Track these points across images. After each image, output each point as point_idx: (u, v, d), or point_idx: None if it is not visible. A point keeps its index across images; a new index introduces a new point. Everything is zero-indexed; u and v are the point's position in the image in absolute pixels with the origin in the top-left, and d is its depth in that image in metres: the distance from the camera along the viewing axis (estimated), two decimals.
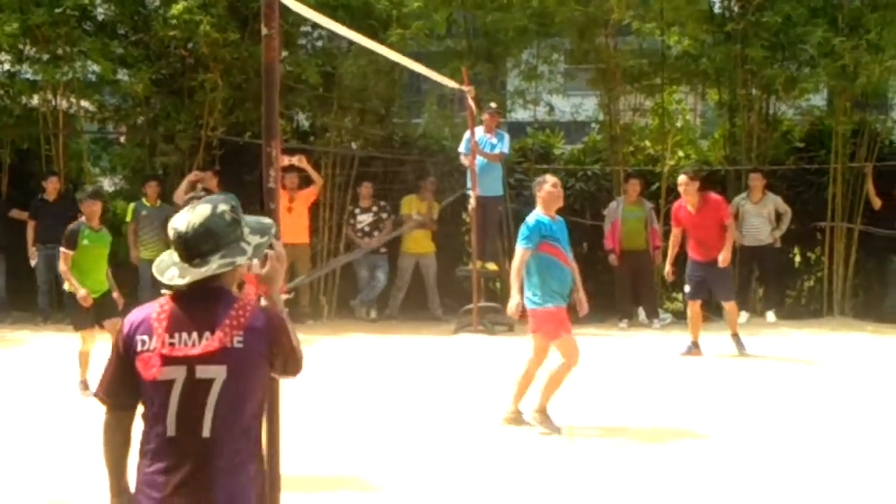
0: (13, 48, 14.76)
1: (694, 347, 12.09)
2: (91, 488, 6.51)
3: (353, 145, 16.19)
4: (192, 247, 3.59)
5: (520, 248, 8.82)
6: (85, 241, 10.13)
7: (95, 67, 15.24)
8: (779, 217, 14.63)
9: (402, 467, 7.58)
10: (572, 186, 15.71)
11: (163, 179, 14.86)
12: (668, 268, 12.49)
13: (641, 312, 14.70)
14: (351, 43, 13.24)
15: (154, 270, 3.70)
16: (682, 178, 12.21)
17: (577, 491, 7.04)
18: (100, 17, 15.53)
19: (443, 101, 16.27)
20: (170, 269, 3.63)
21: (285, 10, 4.88)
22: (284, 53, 14.56)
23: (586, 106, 17.24)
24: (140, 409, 3.64)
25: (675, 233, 12.41)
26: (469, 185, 13.87)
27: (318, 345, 12.52)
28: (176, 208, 9.99)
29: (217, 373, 3.50)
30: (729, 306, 12.26)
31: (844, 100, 15.02)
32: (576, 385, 9.12)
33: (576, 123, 17.88)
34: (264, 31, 4.34)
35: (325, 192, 15.03)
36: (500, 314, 14.34)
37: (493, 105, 14.17)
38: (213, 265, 3.56)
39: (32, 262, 14.53)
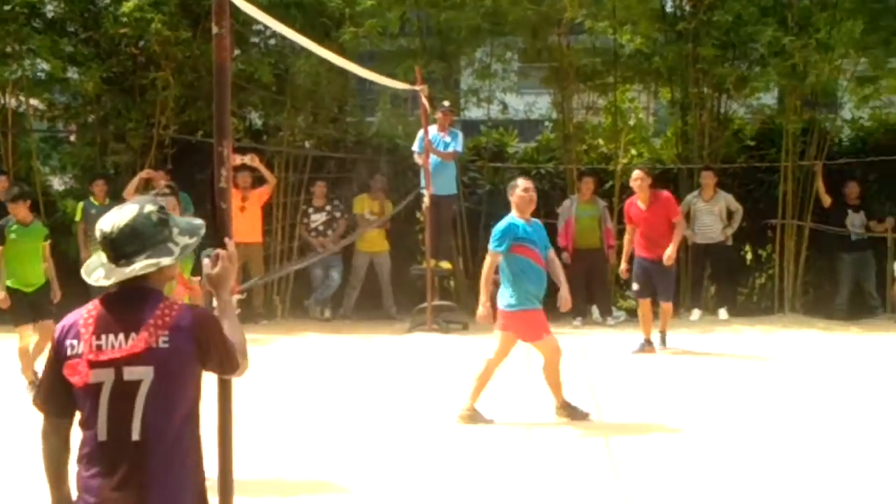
0: None
1: (647, 345, 12.17)
2: (34, 496, 6.42)
3: (307, 144, 16.13)
4: (118, 247, 3.57)
5: (490, 253, 8.86)
6: (12, 236, 10.25)
7: (45, 65, 15.04)
8: (730, 215, 14.74)
9: (358, 468, 7.55)
10: None
11: (112, 178, 14.72)
12: (623, 265, 12.56)
13: (595, 311, 14.75)
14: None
15: (83, 272, 3.68)
16: (637, 173, 12.33)
17: (537, 486, 7.05)
18: (49, 15, 15.35)
19: (396, 99, 16.23)
20: (97, 270, 3.61)
21: (238, 8, 4.84)
22: (237, 52, 14.48)
23: (540, 104, 17.28)
24: (78, 414, 3.60)
25: (629, 230, 12.51)
26: (423, 183, 13.86)
27: (272, 345, 12.48)
28: None
29: (144, 374, 3.47)
30: (666, 306, 12.34)
31: (794, 98, 15.15)
32: (531, 383, 9.16)
33: (529, 122, 17.92)
34: (215, 29, 4.29)
35: (278, 191, 14.95)
36: (455, 312, 14.41)
37: (446, 103, 14.17)
38: (138, 265, 3.54)
39: None
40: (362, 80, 13.83)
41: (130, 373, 3.46)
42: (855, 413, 9.18)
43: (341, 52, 12.54)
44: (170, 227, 3.65)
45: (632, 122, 16.49)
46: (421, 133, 13.75)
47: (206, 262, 3.72)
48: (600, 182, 15.21)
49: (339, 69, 14.53)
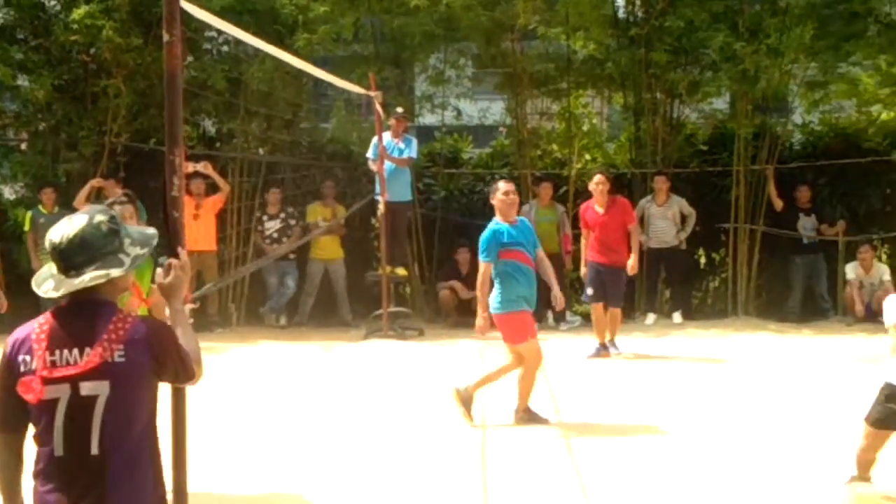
0: None
1: (602, 349, 12.22)
2: None
3: (261, 151, 16.05)
4: (67, 258, 3.53)
5: (481, 264, 8.91)
6: None
7: None
8: (683, 219, 14.85)
9: (315, 478, 7.52)
10: (480, 191, 15.78)
11: (62, 186, 14.59)
12: (582, 269, 12.62)
13: (550, 315, 14.78)
14: (257, 48, 13.13)
15: (33, 283, 3.64)
16: (598, 178, 12.42)
17: (497, 489, 7.06)
18: None
19: (350, 105, 16.21)
20: (47, 282, 3.58)
21: (189, 15, 4.81)
22: (189, 59, 14.40)
23: (494, 110, 17.33)
24: (31, 429, 3.57)
25: (585, 234, 12.61)
26: (378, 190, 13.84)
27: (227, 353, 12.41)
28: None
29: (100, 388, 3.44)
30: (615, 312, 12.39)
31: (746, 103, 15.28)
32: (487, 387, 9.17)
33: (483, 127, 17.96)
34: (166, 37, 4.26)
35: (232, 197, 14.86)
36: (411, 319, 14.40)
37: (399, 110, 14.15)
38: (87, 277, 3.50)
39: None
40: (317, 86, 13.81)
41: (87, 388, 3.43)
42: (807, 413, 9.29)
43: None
44: (121, 238, 3.61)
45: (585, 128, 16.54)
46: (375, 139, 13.72)
47: (159, 271, 3.69)
48: (554, 187, 15.26)
49: (294, 74, 14.56)
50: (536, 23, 15.20)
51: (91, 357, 3.44)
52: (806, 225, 14.97)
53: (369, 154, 14.03)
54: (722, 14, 14.80)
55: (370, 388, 10.55)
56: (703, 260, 16.31)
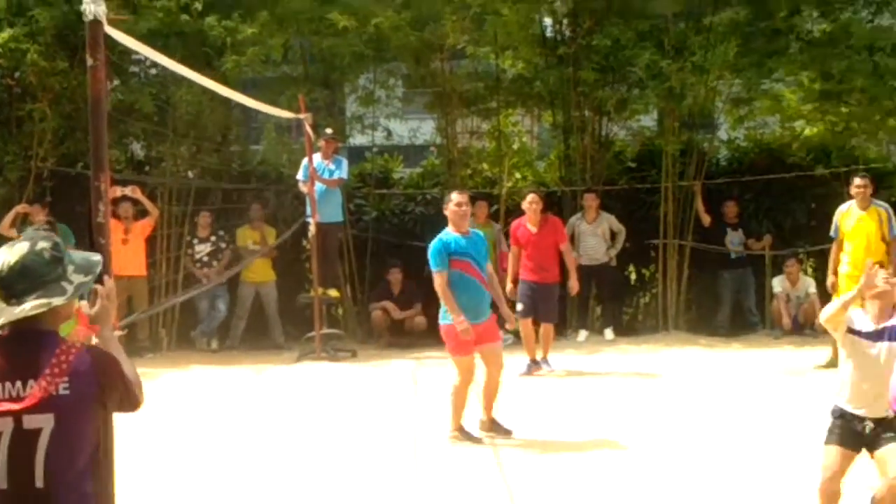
0: None
1: (533, 365, 12.26)
2: None
3: (190, 174, 15.92)
4: (8, 286, 3.45)
5: (434, 275, 8.95)
6: None
7: None
8: (613, 236, 14.96)
9: (248, 502, 7.46)
10: (412, 211, 15.82)
11: None
12: (509, 286, 12.66)
13: None
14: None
15: None
16: (531, 196, 12.51)
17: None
18: None
19: (280, 128, 16.14)
20: None
21: (115, 39, 4.78)
22: (116, 82, 14.26)
23: (424, 130, 17.35)
24: None
25: (514, 251, 12.66)
26: (309, 212, 13.80)
27: (158, 379, 12.26)
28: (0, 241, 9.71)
29: (44, 422, 3.37)
30: (547, 328, 12.47)
31: (673, 120, 15.48)
32: (419, 406, 9.18)
33: (414, 147, 17.99)
34: (90, 61, 4.25)
35: (162, 222, 14.70)
36: (343, 340, 14.35)
37: (329, 131, 14.13)
38: (28, 306, 3.42)
39: None
40: (246, 109, 13.72)
41: (30, 421, 3.36)
42: (737, 424, 9.42)
43: (224, 80, 12.41)
44: (64, 265, 3.53)
45: (515, 146, 16.62)
46: (305, 161, 13.69)
47: (84, 302, 3.63)
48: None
49: (222, 97, 14.46)
50: (465, 42, 15.28)
51: (34, 391, 3.36)
52: (733, 240, 15.17)
53: (299, 176, 14.00)
54: (648, 32, 14.97)
55: (303, 411, 10.50)
56: (633, 276, 16.46)
